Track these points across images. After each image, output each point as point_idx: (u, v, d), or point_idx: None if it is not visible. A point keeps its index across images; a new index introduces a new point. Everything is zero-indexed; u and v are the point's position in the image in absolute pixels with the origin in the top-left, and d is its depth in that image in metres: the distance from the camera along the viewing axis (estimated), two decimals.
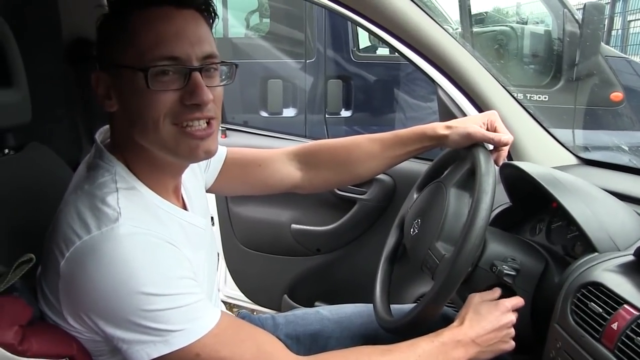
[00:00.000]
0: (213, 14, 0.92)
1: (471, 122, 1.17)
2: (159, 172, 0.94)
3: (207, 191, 1.23)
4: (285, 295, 2.17)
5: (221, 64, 0.92)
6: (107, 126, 0.99)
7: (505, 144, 1.16)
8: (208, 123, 0.89)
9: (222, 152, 1.24)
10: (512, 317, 1.05)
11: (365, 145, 1.25)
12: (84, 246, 0.81)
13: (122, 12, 0.87)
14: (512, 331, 1.06)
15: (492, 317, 1.04)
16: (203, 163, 1.17)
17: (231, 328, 0.90)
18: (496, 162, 1.15)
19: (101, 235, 0.81)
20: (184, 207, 1.03)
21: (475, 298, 1.08)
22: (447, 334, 1.02)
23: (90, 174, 0.90)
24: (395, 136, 1.24)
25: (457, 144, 1.17)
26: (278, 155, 1.28)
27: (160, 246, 0.84)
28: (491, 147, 1.18)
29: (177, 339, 0.82)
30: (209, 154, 0.91)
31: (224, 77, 0.94)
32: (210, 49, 0.88)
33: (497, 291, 1.09)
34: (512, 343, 1.06)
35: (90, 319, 0.83)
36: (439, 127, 1.19)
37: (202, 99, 0.86)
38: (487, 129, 1.17)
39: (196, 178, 1.14)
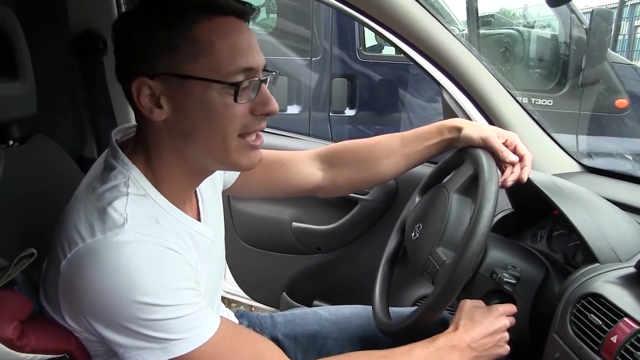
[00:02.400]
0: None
1: (488, 128, 1.17)
2: (181, 181, 0.92)
3: (226, 192, 1.21)
4: (284, 293, 2.17)
5: (274, 73, 0.93)
6: (126, 125, 0.98)
7: (512, 162, 1.14)
8: (257, 134, 0.91)
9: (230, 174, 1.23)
10: (506, 322, 1.05)
11: (385, 142, 1.26)
12: (86, 249, 0.80)
13: (181, 19, 0.83)
14: (507, 335, 1.06)
15: (487, 321, 1.04)
16: None
17: (230, 336, 0.89)
18: (506, 182, 1.13)
19: (105, 239, 0.79)
20: (198, 217, 1.02)
21: (467, 304, 1.09)
22: (442, 340, 1.03)
23: (105, 175, 0.88)
24: (414, 132, 1.25)
25: (467, 140, 1.16)
26: (301, 156, 1.27)
27: (164, 255, 0.82)
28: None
29: (175, 347, 0.82)
30: (258, 164, 0.93)
31: (272, 84, 0.94)
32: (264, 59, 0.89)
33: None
34: (507, 347, 1.06)
35: (87, 321, 0.83)
36: (458, 121, 1.21)
37: (274, 108, 0.88)
38: (506, 146, 1.16)
39: (214, 185, 1.11)
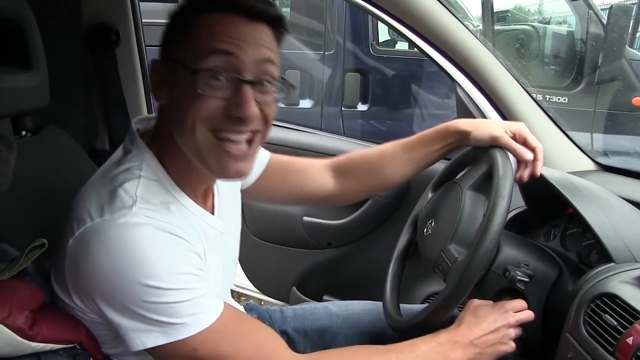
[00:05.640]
0: (283, 31, 0.90)
1: (497, 126, 1.16)
2: (190, 173, 0.92)
3: (244, 194, 1.22)
4: (294, 288, 2.17)
5: (278, 81, 0.88)
6: (148, 115, 1.00)
7: (528, 160, 1.13)
8: (250, 142, 0.87)
9: (265, 156, 1.23)
10: (511, 319, 1.04)
11: (391, 149, 1.28)
12: (93, 228, 0.80)
13: (190, 11, 0.86)
14: (512, 332, 1.04)
15: (491, 318, 1.04)
16: None
17: (233, 323, 0.89)
18: (522, 177, 1.14)
19: (112, 219, 0.80)
20: (212, 212, 1.02)
21: (474, 302, 1.08)
22: (445, 335, 1.02)
23: (120, 159, 0.90)
24: (418, 136, 1.26)
25: (478, 142, 1.16)
26: (316, 165, 1.29)
27: (169, 240, 0.82)
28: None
29: (175, 331, 0.82)
30: (240, 175, 0.89)
31: (279, 94, 0.89)
32: (269, 62, 0.86)
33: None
34: (512, 344, 1.05)
35: (92, 300, 0.83)
36: (462, 123, 1.20)
37: (246, 113, 0.83)
38: (515, 140, 1.14)
39: (232, 183, 1.12)
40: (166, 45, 0.89)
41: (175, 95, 0.86)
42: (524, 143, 1.14)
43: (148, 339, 0.82)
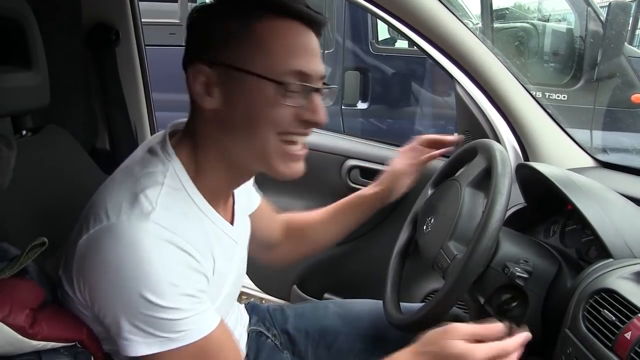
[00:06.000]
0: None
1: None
2: (221, 178, 0.93)
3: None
4: (295, 286, 2.17)
5: (333, 87, 0.94)
6: (180, 120, 0.97)
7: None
8: (303, 144, 0.91)
9: (257, 200, 1.26)
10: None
11: (318, 215, 1.37)
12: (108, 227, 0.80)
13: (248, 13, 0.85)
14: None
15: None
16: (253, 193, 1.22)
17: (212, 346, 0.87)
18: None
19: (128, 223, 0.79)
20: (231, 219, 1.02)
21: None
22: None
23: (146, 160, 0.89)
24: (341, 202, 1.36)
25: (396, 182, 1.32)
26: (276, 215, 1.35)
27: (180, 257, 0.81)
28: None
29: (160, 343, 0.82)
30: (299, 174, 0.92)
31: (327, 97, 0.93)
32: (324, 71, 0.90)
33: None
34: None
35: (92, 297, 0.84)
36: (374, 185, 1.35)
37: (321, 119, 0.88)
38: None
39: (248, 194, 1.16)
40: (209, 47, 0.86)
41: (238, 102, 0.86)
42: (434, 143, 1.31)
43: (132, 345, 0.82)
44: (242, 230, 1.07)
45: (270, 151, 0.87)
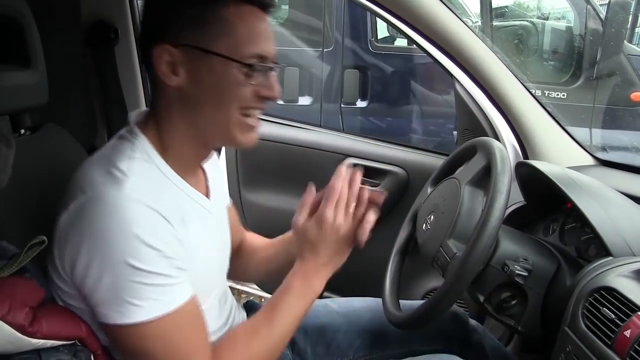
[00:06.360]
0: None
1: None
2: (188, 151, 0.98)
3: None
4: None
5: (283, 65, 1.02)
6: (143, 109, 1.02)
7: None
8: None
9: (228, 200, 1.29)
10: (336, 222, 1.04)
11: (268, 243, 1.36)
12: (84, 200, 0.84)
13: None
14: (342, 232, 1.05)
15: (321, 237, 1.04)
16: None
17: (180, 320, 0.88)
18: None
19: (104, 192, 0.84)
20: (207, 194, 1.07)
21: (297, 227, 1.08)
22: (296, 281, 1.06)
23: (114, 144, 0.95)
24: (271, 241, 1.35)
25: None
26: (240, 228, 1.37)
27: (156, 220, 0.85)
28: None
29: (130, 312, 0.83)
30: (253, 144, 0.99)
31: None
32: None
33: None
34: (350, 242, 1.08)
35: (71, 271, 0.85)
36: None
37: (277, 94, 0.96)
38: None
39: (222, 190, 1.21)
40: (176, 29, 0.91)
41: (204, 80, 0.92)
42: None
43: (106, 314, 0.84)
44: (218, 205, 1.12)
45: (232, 124, 0.94)
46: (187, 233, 0.91)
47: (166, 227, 0.86)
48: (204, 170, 1.10)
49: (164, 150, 0.95)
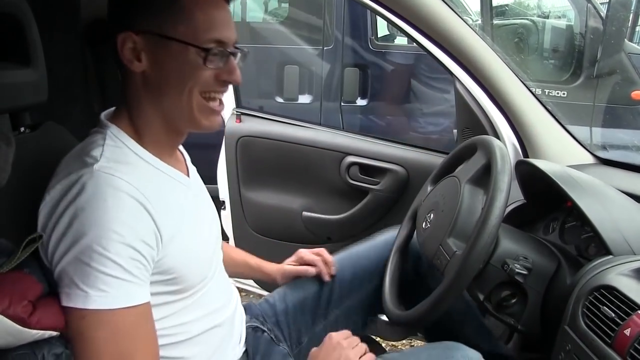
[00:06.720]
0: None
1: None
2: (162, 135, 1.01)
3: None
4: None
5: (243, 50, 1.04)
6: (112, 109, 1.07)
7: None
8: (220, 101, 1.02)
9: None
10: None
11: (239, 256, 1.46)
12: (60, 186, 0.88)
13: None
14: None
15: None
16: None
17: (126, 320, 0.86)
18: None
19: (76, 177, 0.87)
20: (187, 173, 1.10)
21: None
22: None
23: (87, 138, 0.99)
24: (250, 260, 1.47)
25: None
26: None
27: (125, 202, 0.86)
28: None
29: (77, 298, 0.83)
30: (217, 127, 1.03)
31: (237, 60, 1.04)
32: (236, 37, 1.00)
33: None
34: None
35: (46, 253, 0.87)
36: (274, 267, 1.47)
37: (237, 79, 0.99)
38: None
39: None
40: (142, 20, 0.94)
41: (167, 67, 0.95)
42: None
43: (62, 295, 0.85)
44: (198, 183, 1.15)
45: (195, 108, 0.97)
46: (167, 209, 0.93)
47: (141, 213, 0.88)
48: (182, 154, 1.15)
49: (139, 137, 0.99)
